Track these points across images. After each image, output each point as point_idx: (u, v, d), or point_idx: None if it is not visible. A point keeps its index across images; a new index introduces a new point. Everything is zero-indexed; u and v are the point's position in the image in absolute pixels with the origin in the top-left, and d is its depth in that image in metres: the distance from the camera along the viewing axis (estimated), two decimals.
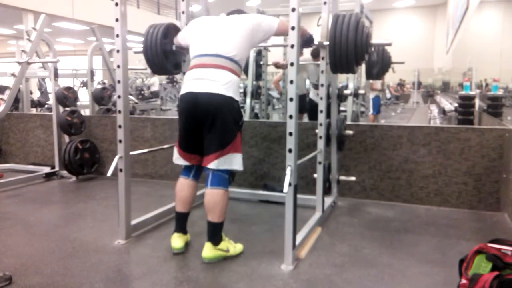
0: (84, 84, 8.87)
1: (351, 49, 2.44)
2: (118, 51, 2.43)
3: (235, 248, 2.35)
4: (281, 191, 2.24)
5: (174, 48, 2.73)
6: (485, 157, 3.14)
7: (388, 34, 17.48)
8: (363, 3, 4.25)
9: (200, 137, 2.32)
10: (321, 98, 2.85)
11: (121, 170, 2.50)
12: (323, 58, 2.80)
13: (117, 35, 2.41)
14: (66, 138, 4.33)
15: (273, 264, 2.24)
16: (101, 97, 5.59)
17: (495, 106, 4.93)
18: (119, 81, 2.46)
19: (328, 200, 3.11)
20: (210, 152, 2.27)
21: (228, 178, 2.33)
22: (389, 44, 2.68)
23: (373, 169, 3.44)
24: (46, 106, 8.55)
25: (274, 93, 7.66)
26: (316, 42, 2.67)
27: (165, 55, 2.74)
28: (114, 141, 4.17)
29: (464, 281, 1.64)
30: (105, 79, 10.77)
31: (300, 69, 4.57)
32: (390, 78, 13.61)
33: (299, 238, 2.35)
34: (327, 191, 3.11)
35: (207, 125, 2.24)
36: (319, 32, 2.73)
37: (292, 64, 2.10)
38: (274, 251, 2.39)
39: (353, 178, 3.30)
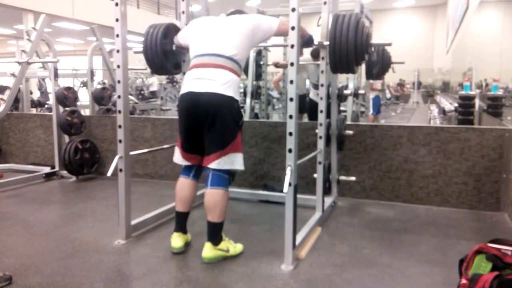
0: (84, 84, 8.87)
1: (351, 49, 2.44)
2: (118, 51, 2.43)
3: (235, 248, 2.35)
4: (281, 191, 2.24)
5: (174, 48, 2.73)
6: (485, 157, 3.14)
7: (388, 34, 17.47)
8: (363, 3, 4.25)
9: (200, 137, 2.32)
10: (321, 98, 2.85)
11: (121, 170, 2.50)
12: (323, 58, 2.80)
13: (117, 35, 2.41)
14: (66, 138, 4.33)
15: (273, 264, 2.24)
16: (101, 97, 5.60)
17: (495, 106, 4.93)
18: (119, 81, 2.46)
19: (328, 200, 3.11)
20: (210, 152, 2.27)
21: (228, 178, 2.34)
22: (389, 44, 2.68)
23: (373, 169, 3.44)
24: (46, 106, 8.56)
25: (274, 93, 7.67)
26: (316, 42, 2.67)
27: (165, 55, 2.74)
28: (114, 141, 4.17)
29: (464, 281, 1.64)
30: (105, 79, 10.77)
31: (300, 69, 4.57)
32: (390, 78, 13.61)
33: (299, 238, 2.35)
34: (327, 191, 3.11)
35: (207, 125, 2.24)
36: (319, 32, 2.73)
37: (292, 64, 2.10)
38: (274, 251, 2.39)
39: (353, 178, 3.30)
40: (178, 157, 2.46)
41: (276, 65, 4.81)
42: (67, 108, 4.23)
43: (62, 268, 2.19)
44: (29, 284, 2.02)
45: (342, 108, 4.43)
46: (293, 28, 2.09)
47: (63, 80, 6.41)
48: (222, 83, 2.22)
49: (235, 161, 2.30)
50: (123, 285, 2.04)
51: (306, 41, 2.59)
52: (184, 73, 2.62)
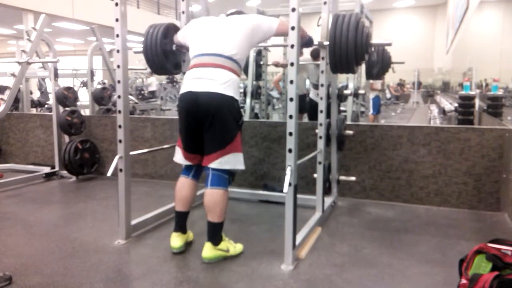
0: (84, 84, 8.87)
1: (351, 49, 2.44)
2: (118, 51, 2.43)
3: (235, 248, 2.35)
4: (281, 191, 2.24)
5: (174, 48, 2.73)
6: (485, 157, 3.14)
7: (388, 34, 17.47)
8: (363, 3, 4.25)
9: (200, 137, 2.31)
10: (321, 98, 2.85)
11: (121, 170, 2.50)
12: (323, 58, 2.80)
13: (117, 35, 2.41)
14: (66, 138, 4.33)
15: (273, 264, 2.24)
16: (101, 97, 5.60)
17: (495, 106, 4.93)
18: (119, 81, 2.46)
19: (328, 200, 3.11)
20: (210, 151, 2.27)
21: (228, 178, 2.34)
22: (389, 44, 2.68)
23: (373, 169, 3.44)
24: (46, 106, 8.56)
25: (274, 93, 7.67)
26: (316, 42, 2.67)
27: (165, 55, 2.74)
28: (114, 141, 4.17)
29: (464, 281, 1.64)
30: (105, 79, 10.77)
31: (300, 69, 4.57)
32: (390, 78, 13.61)
33: (299, 238, 2.35)
34: (327, 191, 3.11)
35: (207, 124, 2.24)
36: (319, 32, 2.73)
37: (292, 64, 2.10)
38: (274, 251, 2.39)
39: (353, 178, 3.30)
40: (179, 157, 2.46)
41: (277, 65, 4.81)
42: (67, 108, 4.23)
43: (62, 268, 2.19)
44: (29, 284, 2.02)
45: (342, 108, 4.43)
46: (293, 28, 2.09)
47: (63, 80, 6.41)
48: (221, 82, 2.22)
49: (235, 161, 2.30)
50: (123, 285, 2.04)
51: (306, 42, 2.60)
52: (184, 73, 2.61)
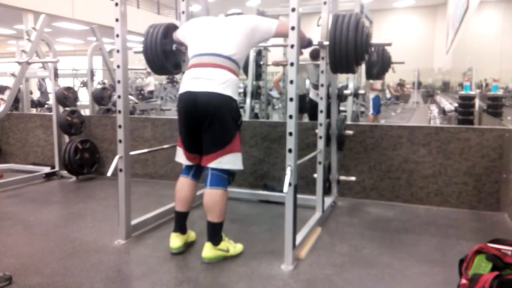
0: (84, 84, 8.88)
1: (351, 49, 2.44)
2: (118, 51, 2.43)
3: (235, 248, 2.35)
4: (281, 191, 2.24)
5: (174, 48, 2.73)
6: (485, 157, 3.14)
7: (388, 34, 17.48)
8: (363, 3, 4.25)
9: (199, 137, 2.31)
10: (321, 98, 2.85)
11: (121, 170, 2.50)
12: (323, 58, 2.80)
13: (117, 35, 2.41)
14: (66, 138, 4.33)
15: (273, 264, 2.24)
16: (101, 97, 5.60)
17: (495, 106, 4.93)
18: (119, 81, 2.46)
19: (328, 200, 3.11)
20: (209, 151, 2.27)
21: (227, 178, 2.34)
22: (389, 44, 2.68)
23: (373, 169, 3.44)
24: (46, 106, 8.56)
25: (274, 93, 7.67)
26: (316, 42, 2.67)
27: (165, 55, 2.74)
28: (114, 141, 4.17)
29: (464, 281, 1.64)
30: (105, 79, 10.78)
31: (300, 69, 4.58)
32: (390, 78, 13.61)
33: (299, 238, 2.35)
34: (327, 191, 3.11)
35: (206, 124, 2.24)
36: (319, 32, 2.73)
37: (292, 64, 2.10)
38: (274, 251, 2.39)
39: (353, 178, 3.30)
40: (181, 157, 2.46)
41: (277, 64, 4.81)
42: (67, 108, 4.23)
43: (62, 268, 2.19)
44: (29, 284, 2.02)
45: (342, 108, 4.43)
46: (293, 28, 2.09)
47: (63, 80, 6.41)
48: (220, 82, 2.22)
49: (234, 161, 2.30)
50: (123, 285, 2.04)
51: (305, 45, 2.60)
52: (183, 73, 2.62)
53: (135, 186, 2.87)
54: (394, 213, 3.16)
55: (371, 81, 6.03)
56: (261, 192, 3.50)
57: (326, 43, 2.63)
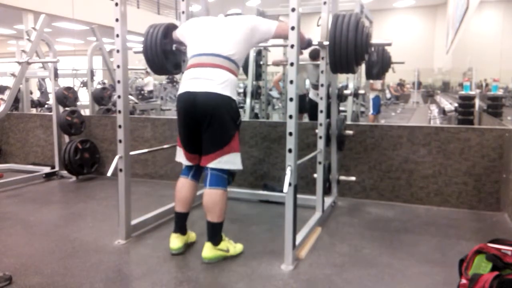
0: (84, 84, 8.88)
1: (351, 49, 2.44)
2: (118, 51, 2.43)
3: (235, 248, 2.35)
4: (281, 191, 2.24)
5: (174, 48, 2.73)
6: (485, 157, 3.14)
7: (388, 34, 17.48)
8: (363, 3, 4.25)
9: (199, 137, 2.31)
10: (321, 98, 2.85)
11: (121, 170, 2.50)
12: (323, 58, 2.80)
13: (117, 35, 2.41)
14: (66, 138, 4.33)
15: (273, 264, 2.24)
16: (101, 97, 5.60)
17: (495, 106, 4.93)
18: (119, 81, 2.46)
19: (328, 200, 3.11)
20: (208, 151, 2.27)
21: (227, 178, 2.33)
22: (389, 44, 2.68)
23: (373, 169, 3.44)
24: (46, 106, 8.56)
25: (274, 93, 7.67)
26: (316, 42, 2.67)
27: (165, 55, 2.74)
28: (114, 141, 4.17)
29: (464, 281, 1.64)
30: (105, 79, 10.78)
31: (300, 69, 4.57)
32: (390, 78, 13.61)
33: (299, 238, 2.35)
34: (327, 191, 3.11)
35: (205, 124, 2.24)
36: (319, 32, 2.73)
37: (292, 64, 2.10)
38: (274, 251, 2.39)
39: (353, 178, 3.30)
40: (182, 157, 2.46)
41: (277, 64, 4.81)
42: (67, 108, 4.24)
43: (62, 268, 2.19)
44: (29, 284, 2.02)
45: (342, 108, 4.43)
46: (293, 28, 2.09)
47: (63, 80, 6.41)
48: (219, 82, 2.22)
49: (233, 161, 2.30)
50: (123, 285, 2.04)
51: (304, 46, 2.60)
52: (183, 73, 2.62)
53: (135, 186, 2.87)
54: (394, 213, 3.16)
55: (371, 81, 6.03)
56: (261, 192, 3.50)
57: (326, 43, 2.63)
